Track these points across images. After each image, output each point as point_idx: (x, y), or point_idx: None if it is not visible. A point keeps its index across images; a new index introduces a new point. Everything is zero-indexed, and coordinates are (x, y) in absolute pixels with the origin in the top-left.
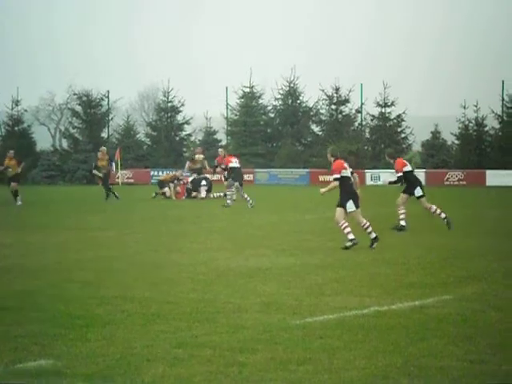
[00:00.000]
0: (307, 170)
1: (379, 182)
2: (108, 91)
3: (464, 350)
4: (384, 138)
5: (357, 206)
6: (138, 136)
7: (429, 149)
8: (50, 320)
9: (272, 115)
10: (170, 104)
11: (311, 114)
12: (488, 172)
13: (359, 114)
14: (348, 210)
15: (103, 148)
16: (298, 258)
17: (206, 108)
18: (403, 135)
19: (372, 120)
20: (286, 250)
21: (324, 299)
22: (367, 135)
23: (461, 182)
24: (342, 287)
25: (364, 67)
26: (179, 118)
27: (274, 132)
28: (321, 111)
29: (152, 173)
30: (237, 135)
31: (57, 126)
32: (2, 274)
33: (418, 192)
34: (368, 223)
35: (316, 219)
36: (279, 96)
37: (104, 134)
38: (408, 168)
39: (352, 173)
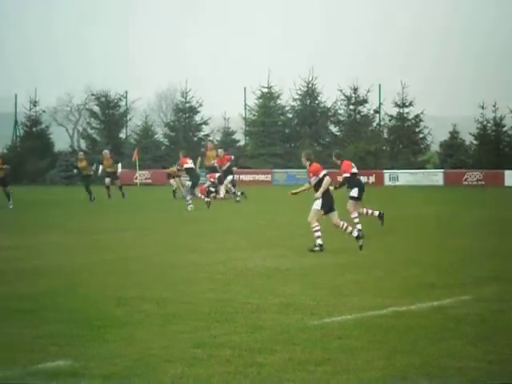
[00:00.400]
0: (326, 170)
1: (397, 183)
2: (126, 92)
3: (483, 351)
4: (402, 139)
5: (325, 212)
6: (156, 137)
7: (447, 149)
8: (67, 321)
9: (290, 116)
10: (188, 104)
11: (329, 114)
12: (506, 172)
13: (377, 115)
14: (313, 207)
15: (106, 151)
16: (316, 258)
17: (224, 108)
18: (421, 135)
19: (390, 120)
20: (303, 250)
21: (342, 300)
22: (385, 135)
23: (479, 183)
24: (360, 288)
25: (382, 67)
26: (197, 118)
27: (292, 132)
28: (339, 111)
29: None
30: (255, 135)
31: (75, 126)
32: (18, 276)
33: (354, 192)
34: (345, 226)
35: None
36: (297, 96)
37: (122, 135)
38: (354, 170)
39: (325, 175)
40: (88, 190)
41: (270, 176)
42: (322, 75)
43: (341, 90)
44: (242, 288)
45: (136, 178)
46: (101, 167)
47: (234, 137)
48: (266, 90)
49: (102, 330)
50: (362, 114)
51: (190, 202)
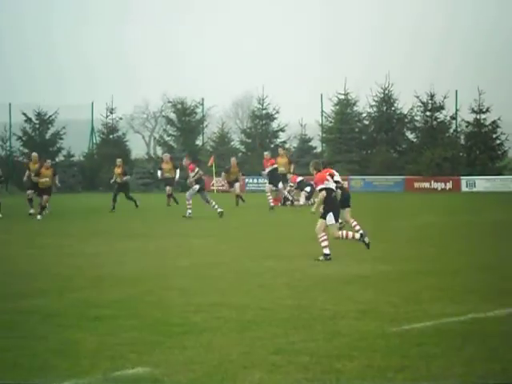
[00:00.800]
0: (402, 176)
1: (474, 189)
2: (202, 99)
3: None
4: (479, 145)
5: (336, 220)
6: (232, 143)
7: None
8: (147, 328)
9: (367, 122)
10: (264, 111)
11: (406, 120)
12: None
13: (454, 121)
14: (328, 223)
15: (166, 155)
16: (395, 265)
17: (301, 115)
18: (498, 141)
19: (467, 126)
20: (382, 257)
21: (421, 306)
22: (462, 142)
23: None
24: (438, 294)
25: (459, 73)
26: (274, 125)
27: (369, 139)
28: (415, 118)
29: (247, 180)
30: (332, 142)
31: (151, 133)
32: (97, 283)
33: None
34: (345, 234)
35: (411, 226)
36: (374, 103)
37: (198, 142)
38: (329, 185)
39: (322, 189)
40: (128, 197)
41: (346, 183)
42: (398, 81)
43: (417, 97)
44: (320, 294)
45: (213, 185)
46: (159, 172)
47: (310, 143)
48: (342, 97)
49: (180, 336)
50: (438, 120)
51: (191, 206)
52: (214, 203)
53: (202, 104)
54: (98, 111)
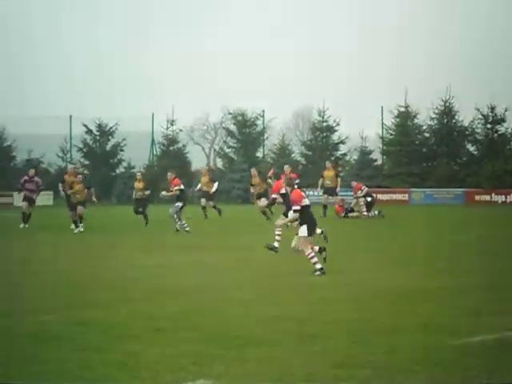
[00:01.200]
0: (463, 189)
1: None
2: (263, 111)
3: None
4: None
5: (310, 234)
6: (293, 155)
7: None
8: (207, 340)
9: (427, 135)
10: (325, 123)
11: (466, 133)
12: None
13: None
14: (300, 234)
15: (203, 167)
16: (455, 278)
17: (362, 127)
18: None
19: None
20: (443, 270)
21: (481, 319)
22: None
23: None
24: (499, 307)
25: None
26: (334, 137)
27: (430, 152)
28: (476, 130)
29: (307, 192)
30: (392, 155)
31: (211, 145)
32: (157, 294)
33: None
34: (312, 253)
35: (471, 239)
36: (434, 115)
37: (259, 154)
38: (306, 202)
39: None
40: (143, 213)
41: (406, 195)
42: (459, 94)
43: (478, 109)
44: (381, 307)
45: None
46: (199, 186)
47: (371, 156)
48: (403, 109)
49: (241, 349)
50: (499, 132)
51: (181, 221)
52: (183, 222)
53: (263, 116)
54: (158, 123)
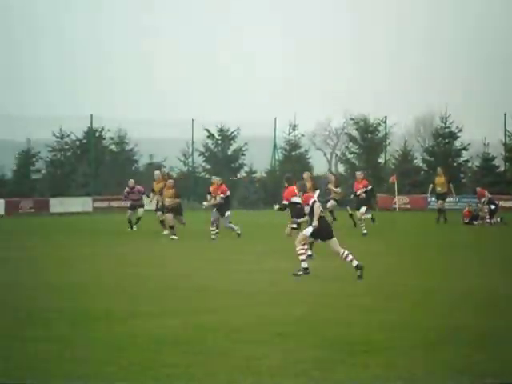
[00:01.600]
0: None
1: None
2: (385, 117)
3: None
4: None
5: (312, 237)
6: (414, 162)
7: None
8: (329, 345)
9: None
10: (447, 130)
11: None
12: None
13: None
14: (304, 232)
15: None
16: None
17: (485, 134)
18: None
19: None
20: None
21: None
22: None
23: None
24: None
25: None
26: (457, 143)
27: None
28: None
29: (429, 199)
30: None
31: (333, 150)
32: (277, 299)
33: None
34: (303, 250)
35: None
36: None
37: (381, 160)
38: (296, 199)
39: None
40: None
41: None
42: None
43: None
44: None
45: (395, 203)
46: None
47: (493, 162)
48: None
49: (363, 354)
50: None
51: (234, 227)
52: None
53: (385, 122)
54: (279, 128)
